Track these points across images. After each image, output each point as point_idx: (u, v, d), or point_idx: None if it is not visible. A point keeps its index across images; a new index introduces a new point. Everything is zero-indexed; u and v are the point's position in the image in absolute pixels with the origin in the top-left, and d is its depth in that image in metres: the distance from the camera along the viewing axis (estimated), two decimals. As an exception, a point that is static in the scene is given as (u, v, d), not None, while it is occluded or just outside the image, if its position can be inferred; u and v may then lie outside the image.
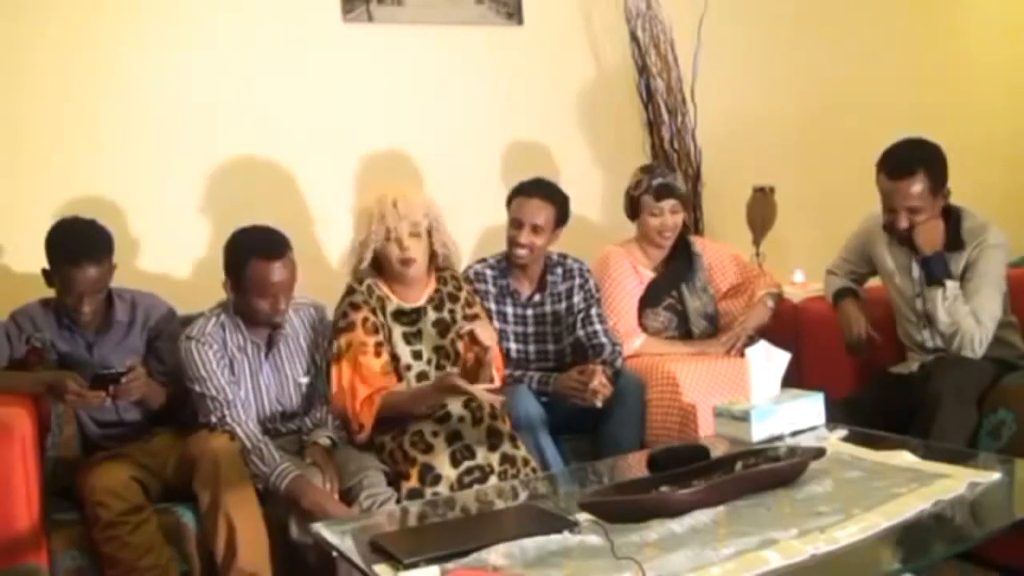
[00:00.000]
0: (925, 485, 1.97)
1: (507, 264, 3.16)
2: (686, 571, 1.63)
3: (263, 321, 2.71)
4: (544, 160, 3.76)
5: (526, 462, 2.66)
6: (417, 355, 2.80)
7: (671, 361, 3.10)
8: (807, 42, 4.26)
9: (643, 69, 3.91)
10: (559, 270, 3.20)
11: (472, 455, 2.60)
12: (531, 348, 3.17)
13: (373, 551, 1.82)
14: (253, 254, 2.63)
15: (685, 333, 3.35)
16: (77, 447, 2.72)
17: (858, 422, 2.49)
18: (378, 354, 2.72)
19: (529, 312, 3.17)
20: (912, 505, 1.87)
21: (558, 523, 1.86)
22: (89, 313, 2.65)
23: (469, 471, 2.58)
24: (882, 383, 2.98)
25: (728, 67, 4.01)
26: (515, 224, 3.10)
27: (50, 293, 2.69)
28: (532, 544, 1.76)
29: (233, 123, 3.33)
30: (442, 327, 2.85)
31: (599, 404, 2.82)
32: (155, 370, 2.74)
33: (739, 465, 2.09)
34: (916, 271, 2.91)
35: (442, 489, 2.53)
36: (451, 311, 2.89)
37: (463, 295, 2.95)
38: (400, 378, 2.76)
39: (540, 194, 3.10)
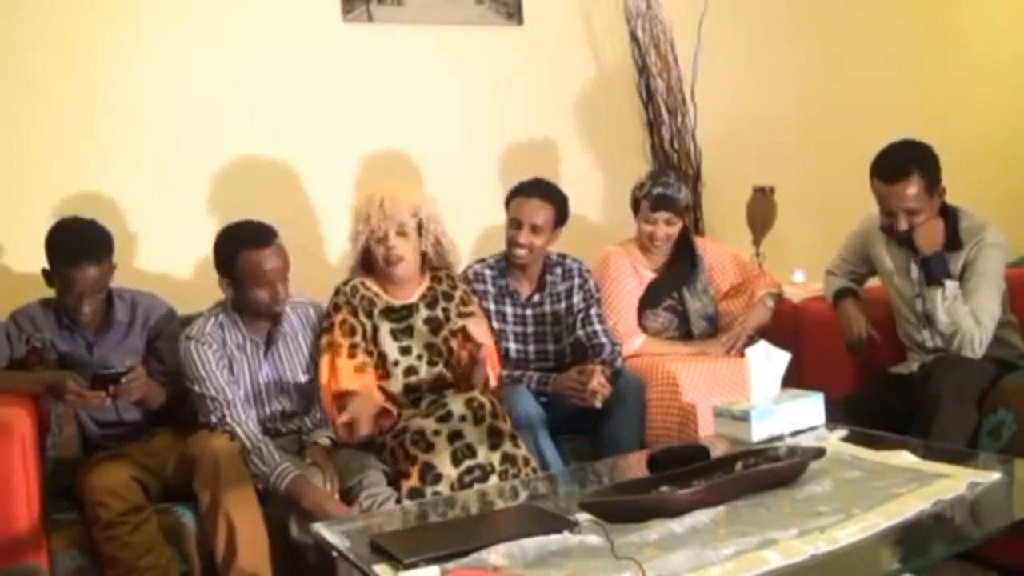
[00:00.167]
0: (925, 485, 1.97)
1: (506, 264, 3.16)
2: (686, 571, 1.63)
3: (264, 313, 2.72)
4: (544, 160, 3.76)
5: (527, 461, 2.66)
6: (405, 351, 2.82)
7: (671, 361, 3.10)
8: (807, 42, 4.26)
9: (643, 69, 3.91)
10: (558, 270, 3.20)
11: (473, 454, 2.60)
12: (530, 348, 3.17)
13: (373, 551, 1.82)
14: (242, 246, 2.65)
15: (685, 334, 3.35)
16: (77, 447, 2.72)
17: (858, 422, 2.49)
18: (352, 355, 2.75)
19: (528, 312, 3.17)
20: (912, 505, 1.87)
21: (558, 523, 1.86)
22: (89, 313, 2.65)
23: (470, 470, 2.57)
24: (882, 383, 2.98)
25: (728, 67, 4.01)
26: (514, 224, 3.10)
27: (50, 293, 2.69)
28: (532, 544, 1.76)
29: (233, 123, 3.33)
30: (434, 325, 2.86)
31: (598, 405, 2.82)
32: (155, 370, 2.74)
33: (739, 465, 2.09)
34: (915, 271, 2.91)
35: (443, 488, 2.53)
36: (444, 309, 2.90)
37: (458, 294, 2.95)
38: (388, 375, 2.79)
39: (539, 194, 3.11)
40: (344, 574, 2.24)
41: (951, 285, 2.75)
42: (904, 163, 2.78)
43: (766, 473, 2.04)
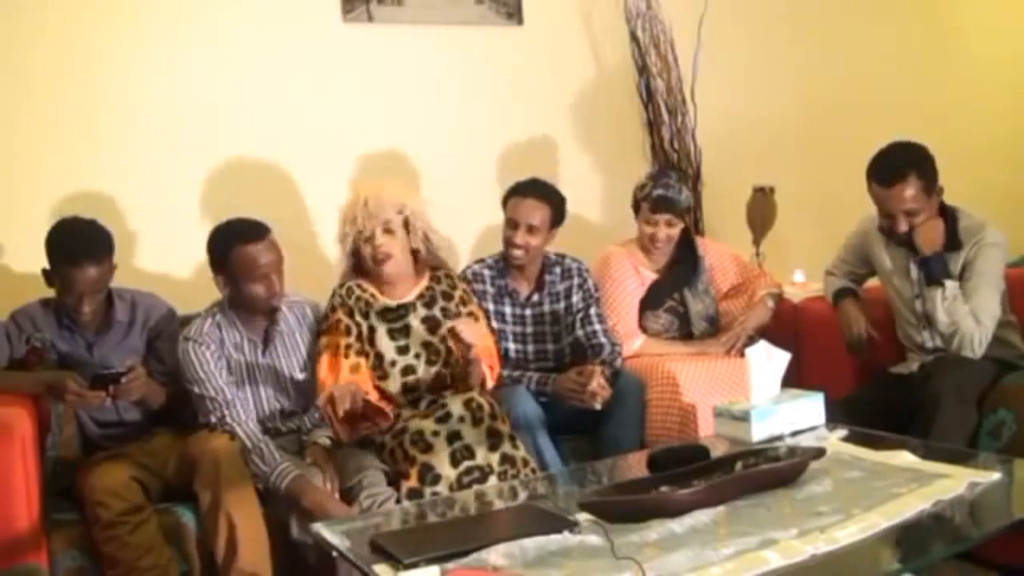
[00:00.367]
0: (925, 485, 1.97)
1: (505, 264, 3.16)
2: (686, 571, 1.63)
3: (261, 308, 2.72)
4: (544, 160, 3.76)
5: (526, 462, 2.66)
6: (402, 350, 2.83)
7: (671, 361, 3.10)
8: (807, 42, 4.26)
9: (643, 69, 3.91)
10: (557, 270, 3.20)
11: (472, 455, 2.60)
12: (530, 348, 3.16)
13: (373, 551, 1.82)
14: (236, 242, 2.66)
15: (686, 335, 3.34)
16: (77, 447, 2.72)
17: (858, 422, 2.49)
18: (345, 355, 2.76)
19: (528, 312, 3.17)
20: (912, 505, 1.87)
21: (558, 523, 1.86)
22: (89, 313, 2.65)
23: (469, 471, 2.57)
24: (882, 383, 2.98)
25: (728, 67, 4.01)
26: (511, 224, 3.10)
27: (50, 293, 2.69)
28: (532, 544, 1.76)
29: (233, 123, 3.33)
30: (431, 324, 2.87)
31: (598, 406, 2.82)
32: (155, 370, 2.74)
33: (739, 465, 2.10)
34: (914, 272, 2.90)
35: (442, 489, 2.53)
36: (443, 309, 2.90)
37: (457, 293, 2.95)
38: (385, 375, 2.80)
39: (535, 194, 3.10)
40: (344, 574, 2.24)
41: (951, 285, 2.75)
42: (900, 165, 2.78)
43: (766, 473, 2.04)
